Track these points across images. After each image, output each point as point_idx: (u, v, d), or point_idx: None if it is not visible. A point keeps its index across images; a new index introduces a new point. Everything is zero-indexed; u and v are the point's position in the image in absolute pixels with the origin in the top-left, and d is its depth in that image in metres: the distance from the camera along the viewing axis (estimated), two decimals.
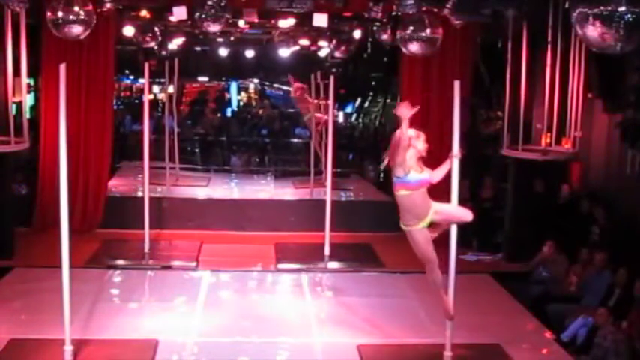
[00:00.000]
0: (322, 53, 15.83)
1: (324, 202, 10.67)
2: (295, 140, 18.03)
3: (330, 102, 10.97)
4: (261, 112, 21.43)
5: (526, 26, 9.50)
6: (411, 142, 6.10)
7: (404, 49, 9.21)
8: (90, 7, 8.44)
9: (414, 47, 9.00)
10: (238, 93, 23.48)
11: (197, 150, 17.26)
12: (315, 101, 13.94)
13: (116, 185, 13.23)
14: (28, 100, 11.57)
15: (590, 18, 4.97)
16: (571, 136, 9.42)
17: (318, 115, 13.78)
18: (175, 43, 14.90)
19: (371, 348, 7.37)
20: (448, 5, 9.01)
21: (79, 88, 11.13)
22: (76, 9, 8.30)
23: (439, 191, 6.55)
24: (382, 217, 12.10)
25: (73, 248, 6.77)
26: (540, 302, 9.05)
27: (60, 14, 8.31)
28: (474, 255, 10.66)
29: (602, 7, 4.91)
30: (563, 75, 9.33)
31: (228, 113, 21.60)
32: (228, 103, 22.68)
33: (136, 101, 20.75)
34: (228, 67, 19.96)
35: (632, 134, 9.46)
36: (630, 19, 4.85)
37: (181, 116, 17.89)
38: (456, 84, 6.51)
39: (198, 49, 18.02)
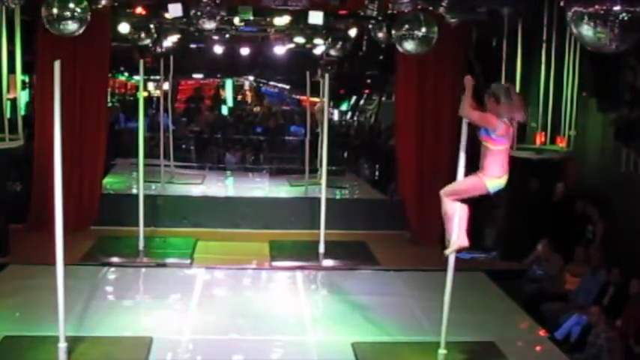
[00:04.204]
0: (317, 51, 15.83)
1: (319, 199, 10.67)
2: (290, 138, 18.04)
3: (325, 100, 10.96)
4: (259, 109, 21.43)
5: (521, 25, 9.49)
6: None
7: (399, 48, 9.21)
8: (85, 4, 8.42)
9: (409, 45, 9.00)
10: (233, 90, 23.46)
11: (192, 147, 17.24)
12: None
13: (111, 182, 13.21)
14: (23, 97, 11.53)
15: (586, 17, 4.98)
16: (565, 134, 9.42)
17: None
18: (170, 40, 14.89)
19: (365, 346, 7.37)
20: (443, 3, 9.01)
21: (74, 85, 11.07)
22: (71, 6, 8.30)
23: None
24: (377, 215, 12.15)
25: (67, 245, 6.73)
26: (534, 300, 9.06)
27: (55, 11, 8.30)
28: (468, 253, 10.63)
29: (597, 6, 4.92)
30: (557, 73, 9.33)
31: (224, 111, 21.59)
32: (224, 100, 22.66)
33: (131, 98, 20.72)
34: (223, 65, 19.92)
35: (627, 132, 9.48)
36: (625, 19, 4.86)
37: (176, 113, 17.87)
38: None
39: (193, 46, 18.01)
